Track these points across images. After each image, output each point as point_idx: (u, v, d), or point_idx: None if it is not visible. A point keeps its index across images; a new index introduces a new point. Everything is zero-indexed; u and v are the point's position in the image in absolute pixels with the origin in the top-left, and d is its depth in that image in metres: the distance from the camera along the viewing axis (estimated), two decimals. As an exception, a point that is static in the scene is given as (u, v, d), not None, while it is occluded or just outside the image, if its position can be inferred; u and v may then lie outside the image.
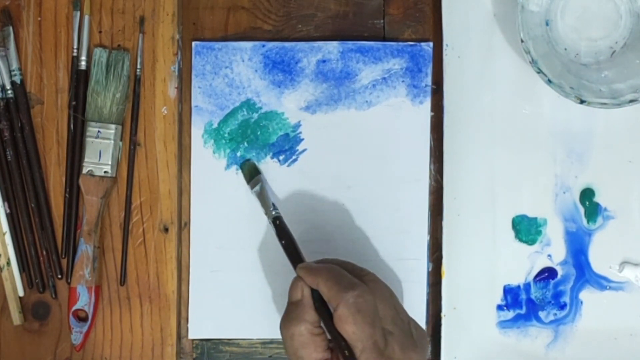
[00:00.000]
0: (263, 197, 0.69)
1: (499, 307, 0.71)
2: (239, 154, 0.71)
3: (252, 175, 0.70)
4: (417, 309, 0.71)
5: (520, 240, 0.71)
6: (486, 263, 0.71)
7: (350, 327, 0.57)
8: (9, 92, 0.70)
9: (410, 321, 0.61)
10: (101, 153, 0.69)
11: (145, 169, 0.70)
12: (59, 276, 0.70)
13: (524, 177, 0.71)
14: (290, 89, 0.72)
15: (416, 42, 0.72)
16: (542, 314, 0.71)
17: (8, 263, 0.70)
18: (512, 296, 0.71)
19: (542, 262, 0.72)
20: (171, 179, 0.70)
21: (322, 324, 0.60)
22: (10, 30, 0.70)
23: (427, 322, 0.72)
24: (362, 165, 0.71)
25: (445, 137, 0.70)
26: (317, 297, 0.60)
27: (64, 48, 0.70)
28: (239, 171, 0.71)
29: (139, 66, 0.70)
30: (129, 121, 0.70)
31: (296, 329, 0.59)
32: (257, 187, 0.70)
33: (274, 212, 0.68)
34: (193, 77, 0.72)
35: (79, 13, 0.70)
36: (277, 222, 0.68)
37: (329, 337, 0.59)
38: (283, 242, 0.66)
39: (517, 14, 0.67)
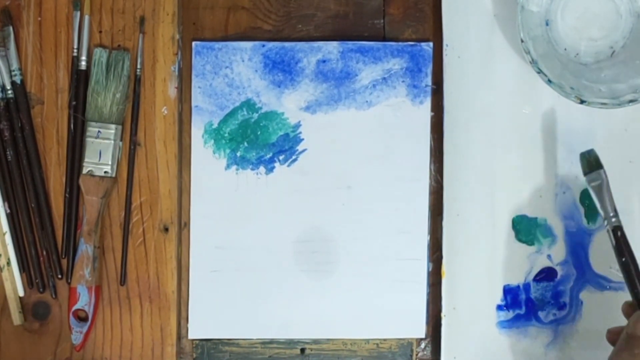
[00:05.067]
0: (603, 196, 0.62)
1: (499, 307, 0.71)
2: (239, 154, 0.71)
3: (593, 167, 0.64)
4: (417, 309, 0.71)
5: (520, 240, 0.71)
6: (486, 263, 0.71)
7: None
8: (9, 92, 0.70)
9: None
10: (101, 153, 0.69)
11: (145, 169, 0.70)
12: (59, 276, 0.70)
13: (524, 177, 0.71)
14: (290, 89, 0.72)
15: (416, 42, 0.72)
16: (542, 314, 0.71)
17: (8, 263, 0.70)
18: (512, 296, 0.71)
19: (542, 262, 0.72)
20: (171, 179, 0.70)
21: None
22: (10, 30, 0.70)
23: (427, 322, 0.72)
24: (362, 165, 0.71)
25: (445, 137, 0.70)
26: None
27: (64, 48, 0.70)
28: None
29: (139, 66, 0.70)
30: (129, 121, 0.70)
31: None
32: (597, 183, 0.62)
33: (614, 220, 0.60)
34: (193, 77, 0.72)
35: (79, 13, 0.70)
36: (619, 233, 0.60)
37: None
38: (623, 259, 0.59)
39: (517, 14, 0.67)
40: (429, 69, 0.72)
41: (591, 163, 0.65)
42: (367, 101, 0.72)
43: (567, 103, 0.68)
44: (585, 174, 0.65)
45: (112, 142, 0.69)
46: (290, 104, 0.72)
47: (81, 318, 0.69)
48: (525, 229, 0.71)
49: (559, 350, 0.71)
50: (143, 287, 0.70)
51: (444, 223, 0.70)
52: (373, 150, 0.71)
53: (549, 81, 0.67)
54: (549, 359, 0.71)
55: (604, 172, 0.64)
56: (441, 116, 0.71)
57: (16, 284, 0.70)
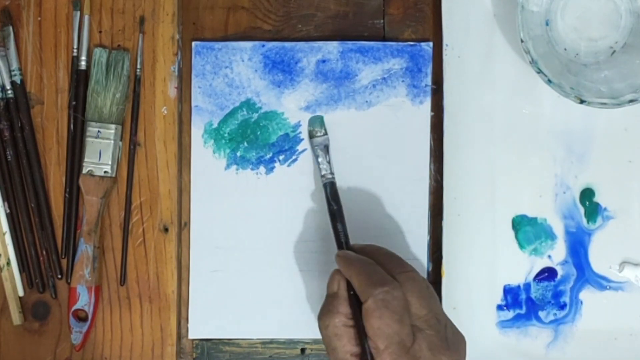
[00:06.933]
0: (325, 157, 0.70)
1: (499, 307, 0.71)
2: (238, 154, 0.71)
3: (322, 132, 0.70)
4: (417, 309, 0.71)
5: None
6: (486, 263, 0.71)
7: (376, 322, 0.57)
8: (9, 92, 0.70)
9: (448, 323, 0.60)
10: (101, 153, 0.69)
11: (145, 169, 0.70)
12: (59, 276, 0.70)
13: (524, 177, 0.71)
14: (290, 89, 0.72)
15: (416, 42, 0.72)
16: (542, 314, 0.71)
17: (8, 263, 0.70)
18: (512, 296, 0.71)
19: (542, 262, 0.72)
20: (171, 179, 0.70)
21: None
22: (10, 30, 0.70)
23: (427, 322, 0.72)
24: (362, 165, 0.71)
25: (445, 137, 0.70)
26: (352, 289, 0.60)
27: (64, 48, 0.70)
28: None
29: (139, 66, 0.70)
30: (129, 121, 0.70)
31: (331, 321, 0.59)
32: (323, 145, 0.70)
33: (331, 177, 0.69)
34: (193, 77, 0.72)
35: (79, 13, 0.70)
36: (333, 187, 0.68)
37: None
38: (332, 207, 0.67)
39: (517, 14, 0.67)
40: (429, 69, 0.72)
41: (318, 127, 0.71)
42: (367, 101, 0.72)
43: (567, 103, 0.68)
44: (311, 137, 0.71)
45: (112, 142, 0.69)
46: (290, 103, 0.72)
47: (81, 318, 0.69)
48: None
49: (559, 350, 0.71)
50: (143, 287, 0.70)
51: (444, 223, 0.70)
52: (373, 150, 0.71)
53: (549, 81, 0.67)
54: (549, 359, 0.71)
55: (328, 137, 0.70)
56: (441, 116, 0.71)
57: (16, 284, 0.70)
